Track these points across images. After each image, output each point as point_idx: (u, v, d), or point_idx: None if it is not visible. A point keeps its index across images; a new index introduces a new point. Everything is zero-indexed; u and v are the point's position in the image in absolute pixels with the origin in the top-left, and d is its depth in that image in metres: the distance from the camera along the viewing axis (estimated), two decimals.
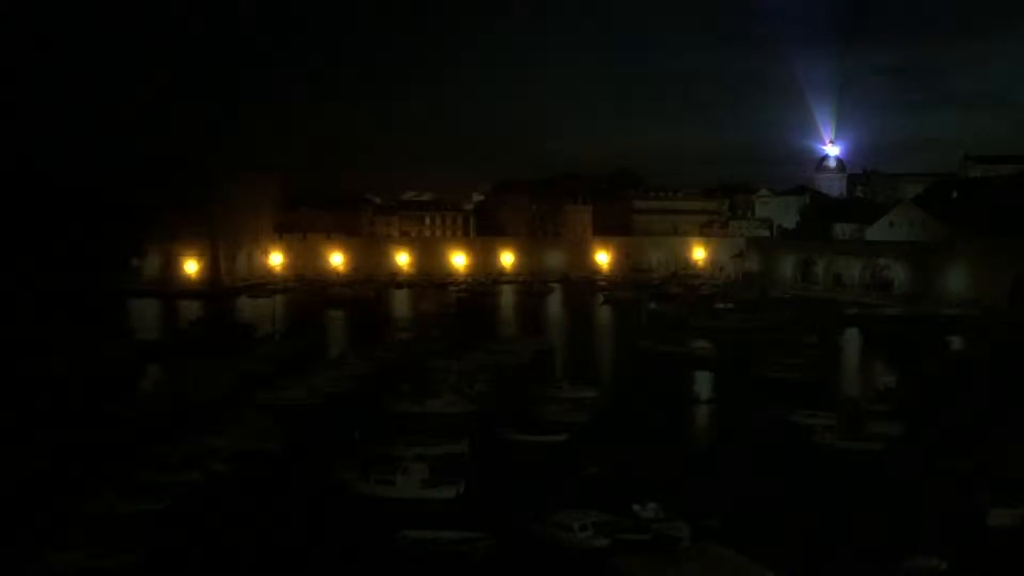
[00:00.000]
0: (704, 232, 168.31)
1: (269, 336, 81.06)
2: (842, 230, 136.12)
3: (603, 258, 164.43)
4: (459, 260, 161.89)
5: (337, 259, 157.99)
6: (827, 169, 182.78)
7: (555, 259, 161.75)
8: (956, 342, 79.87)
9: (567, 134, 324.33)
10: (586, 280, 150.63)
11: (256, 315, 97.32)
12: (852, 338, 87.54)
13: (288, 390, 55.93)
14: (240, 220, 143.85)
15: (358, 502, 37.44)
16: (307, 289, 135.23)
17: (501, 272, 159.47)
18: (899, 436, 46.99)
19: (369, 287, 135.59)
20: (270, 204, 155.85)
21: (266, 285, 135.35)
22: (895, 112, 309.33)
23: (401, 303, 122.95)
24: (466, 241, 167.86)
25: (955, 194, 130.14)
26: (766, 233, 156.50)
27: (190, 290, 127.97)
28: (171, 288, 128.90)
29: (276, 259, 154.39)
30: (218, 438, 44.24)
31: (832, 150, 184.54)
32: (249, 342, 78.05)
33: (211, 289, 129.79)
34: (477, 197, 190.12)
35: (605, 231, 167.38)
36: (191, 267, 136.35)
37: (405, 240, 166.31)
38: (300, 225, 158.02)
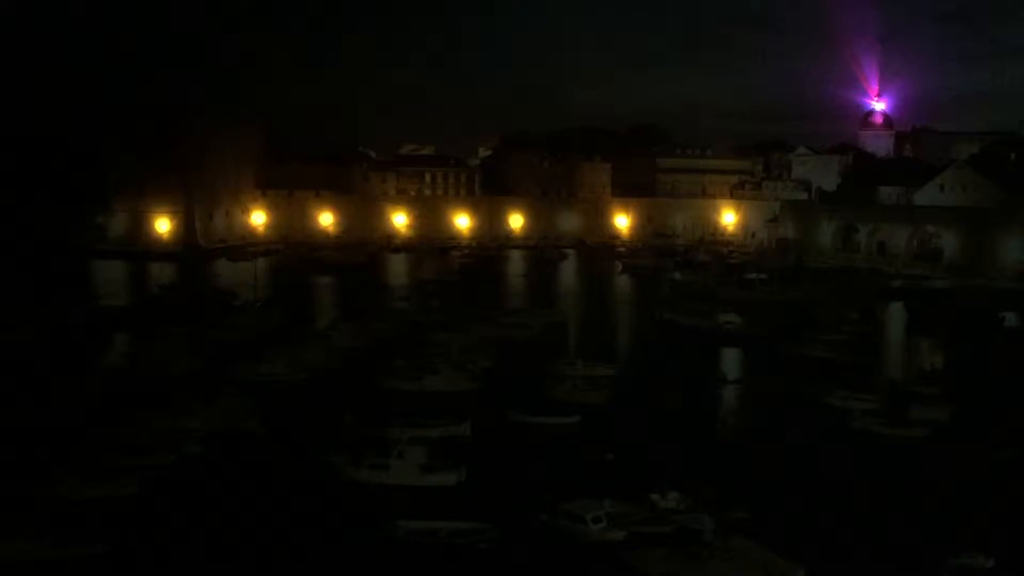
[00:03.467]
0: (735, 194, 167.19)
1: (250, 304, 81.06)
2: (888, 194, 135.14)
3: (622, 221, 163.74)
4: (463, 222, 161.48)
5: (327, 219, 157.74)
6: (872, 126, 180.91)
7: (569, 222, 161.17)
8: (1011, 318, 79.40)
9: (585, 84, 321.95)
10: (603, 246, 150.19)
11: (236, 280, 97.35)
12: (896, 313, 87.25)
13: (271, 364, 55.98)
14: (218, 174, 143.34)
15: (348, 489, 37.51)
16: (293, 252, 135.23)
17: (509, 236, 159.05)
18: (946, 422, 46.94)
19: (362, 251, 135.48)
20: (252, 157, 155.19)
21: (247, 247, 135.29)
22: (949, 64, 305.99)
23: (398, 269, 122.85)
24: (471, 201, 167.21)
25: (1014, 155, 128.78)
26: (804, 196, 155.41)
27: (162, 252, 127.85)
28: (141, 249, 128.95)
29: (258, 218, 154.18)
30: (192, 417, 44.28)
31: (878, 105, 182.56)
32: (228, 310, 78.09)
33: (186, 251, 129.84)
34: (483, 152, 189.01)
35: (625, 191, 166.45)
36: (163, 226, 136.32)
37: (403, 199, 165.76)
38: (286, 181, 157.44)
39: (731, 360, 64.12)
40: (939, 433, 45.31)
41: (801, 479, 39.18)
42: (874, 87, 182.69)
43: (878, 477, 39.82)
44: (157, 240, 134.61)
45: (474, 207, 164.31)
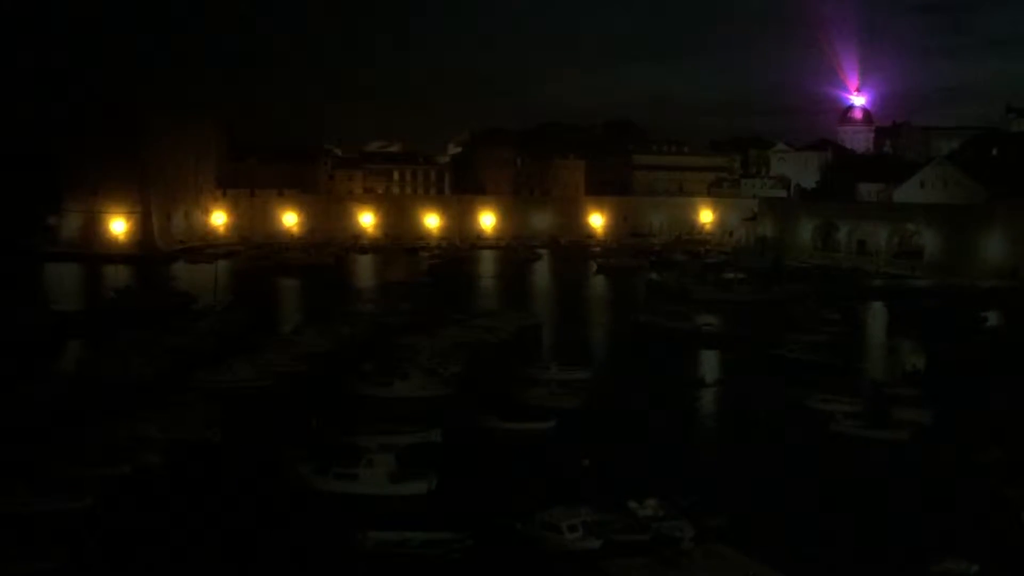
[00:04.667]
0: (712, 192, 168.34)
1: (211, 307, 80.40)
2: (868, 191, 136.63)
3: (597, 220, 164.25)
4: (432, 221, 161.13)
5: (290, 219, 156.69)
6: (852, 121, 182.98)
7: (542, 221, 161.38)
8: (993, 318, 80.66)
9: (558, 79, 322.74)
10: (578, 245, 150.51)
11: (195, 283, 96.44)
12: (877, 313, 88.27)
13: (233, 370, 55.59)
14: (177, 173, 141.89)
15: (315, 499, 37.30)
16: (255, 254, 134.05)
17: (480, 235, 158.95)
18: (928, 424, 47.52)
19: (328, 252, 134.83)
20: (212, 155, 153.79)
21: (207, 249, 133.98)
22: (929, 57, 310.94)
23: (365, 270, 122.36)
24: (440, 199, 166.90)
25: (995, 151, 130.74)
26: (782, 193, 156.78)
27: (117, 254, 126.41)
28: (95, 251, 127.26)
29: (219, 219, 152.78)
30: (150, 426, 43.83)
31: (858, 100, 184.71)
32: (187, 314, 77.37)
33: (142, 253, 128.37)
34: (453, 149, 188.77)
35: (600, 189, 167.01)
36: (119, 227, 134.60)
37: (370, 198, 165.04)
38: (247, 180, 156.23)
39: (709, 363, 64.50)
40: (920, 435, 45.89)
41: (781, 484, 39.54)
42: (853, 81, 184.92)
43: (859, 481, 40.27)
44: (112, 242, 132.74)
45: (444, 206, 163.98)
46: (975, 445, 43.43)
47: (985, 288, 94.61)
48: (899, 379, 58.05)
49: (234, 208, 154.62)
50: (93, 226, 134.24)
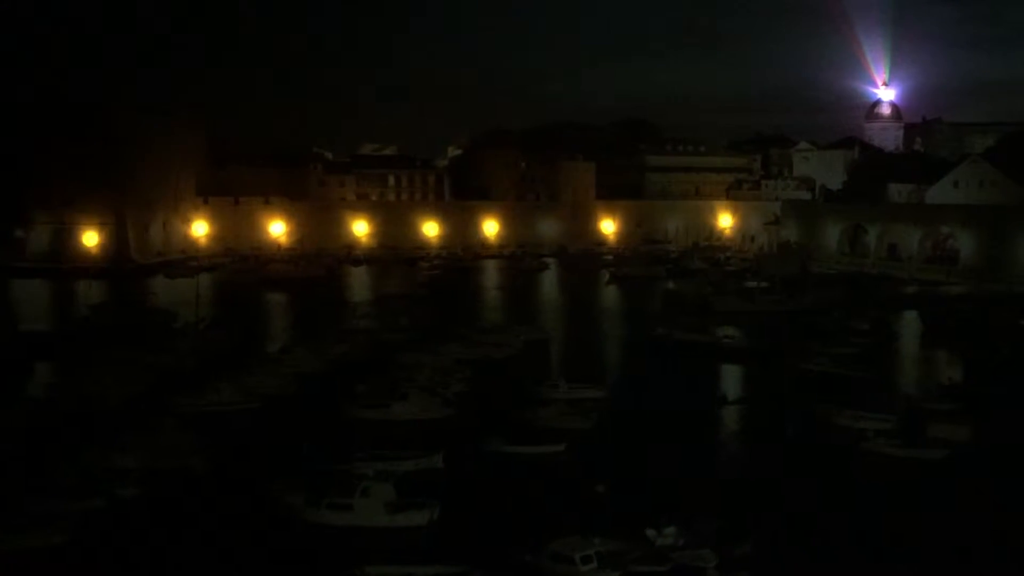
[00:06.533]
0: (731, 194, 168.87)
1: (192, 325, 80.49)
2: (898, 191, 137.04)
3: (609, 227, 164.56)
4: (431, 229, 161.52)
5: (278, 228, 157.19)
6: (880, 117, 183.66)
7: (550, 228, 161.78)
8: None
9: (565, 75, 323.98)
10: (588, 253, 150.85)
11: (175, 299, 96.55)
12: (910, 322, 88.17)
13: (217, 393, 55.56)
14: (154, 180, 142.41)
15: (307, 532, 37.16)
16: (240, 266, 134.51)
17: (483, 244, 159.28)
18: (967, 441, 47.30)
19: (319, 263, 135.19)
20: (192, 160, 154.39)
21: (188, 261, 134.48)
22: (961, 49, 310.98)
23: (359, 283, 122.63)
24: (439, 206, 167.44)
25: None
26: (806, 195, 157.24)
27: (91, 268, 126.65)
28: (66, 265, 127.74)
29: (200, 229, 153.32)
30: (128, 455, 43.73)
31: (886, 94, 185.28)
32: (167, 333, 77.47)
33: (117, 266, 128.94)
34: (453, 151, 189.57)
35: (611, 193, 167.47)
36: (92, 239, 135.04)
37: (363, 205, 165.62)
38: (231, 187, 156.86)
39: (731, 378, 64.54)
40: (959, 454, 45.68)
41: (810, 508, 39.34)
42: (881, 75, 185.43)
43: (893, 504, 40.07)
44: (85, 255, 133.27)
45: (443, 213, 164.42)
46: (1018, 462, 43.15)
47: None
48: (935, 393, 57.91)
49: (217, 217, 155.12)
50: (64, 239, 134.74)
